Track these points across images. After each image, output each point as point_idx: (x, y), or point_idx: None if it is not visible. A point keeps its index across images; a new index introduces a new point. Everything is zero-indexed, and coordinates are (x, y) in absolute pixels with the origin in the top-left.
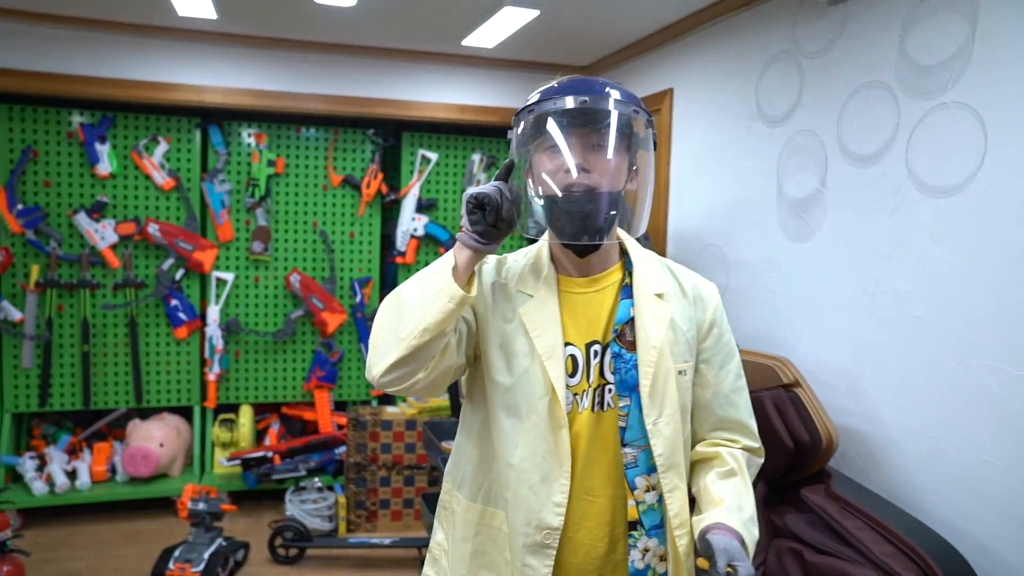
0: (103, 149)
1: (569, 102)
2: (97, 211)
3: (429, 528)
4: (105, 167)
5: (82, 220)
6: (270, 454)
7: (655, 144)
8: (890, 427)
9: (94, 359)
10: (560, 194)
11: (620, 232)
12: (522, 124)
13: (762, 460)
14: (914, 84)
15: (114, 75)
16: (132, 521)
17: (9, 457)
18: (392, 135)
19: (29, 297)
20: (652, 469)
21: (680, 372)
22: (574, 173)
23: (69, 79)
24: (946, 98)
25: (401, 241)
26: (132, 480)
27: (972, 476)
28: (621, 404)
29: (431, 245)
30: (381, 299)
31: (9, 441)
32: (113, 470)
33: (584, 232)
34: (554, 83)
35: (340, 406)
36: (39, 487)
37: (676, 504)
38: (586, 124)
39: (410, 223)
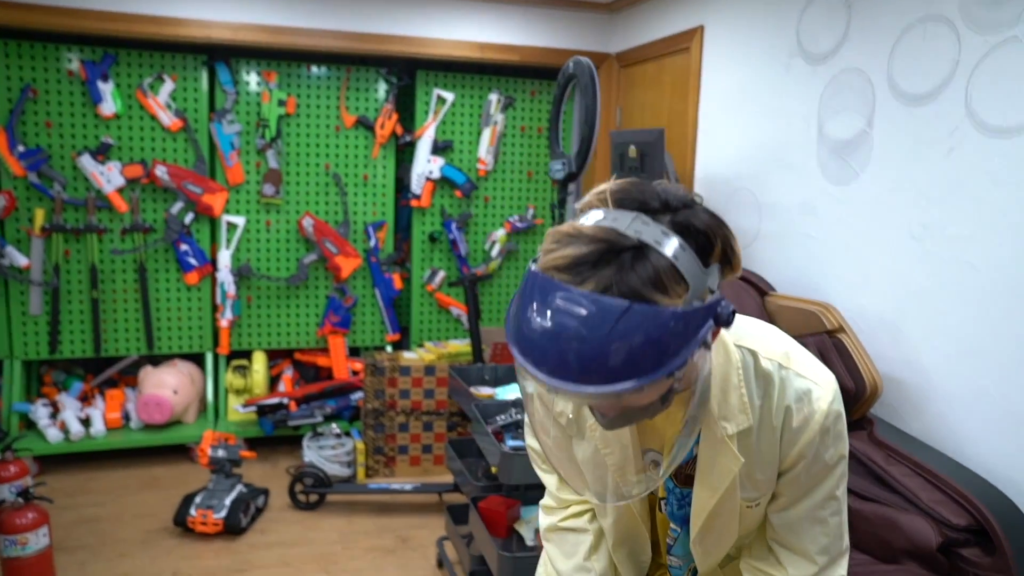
0: (106, 88)
1: (542, 377)
2: (102, 153)
3: (453, 473)
4: (109, 107)
5: (87, 162)
6: (286, 400)
7: (714, 317)
8: (934, 374)
9: (103, 305)
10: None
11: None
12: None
13: None
14: (979, 17)
15: (116, 8)
16: (148, 467)
17: (20, 404)
18: (406, 74)
19: (35, 242)
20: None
21: (750, 506)
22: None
23: (68, 12)
24: (1017, 31)
25: (416, 184)
26: (146, 427)
27: None
28: (671, 527)
29: (446, 188)
30: (395, 244)
31: (20, 388)
32: (127, 417)
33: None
34: (540, 293)
35: (354, 352)
36: (54, 434)
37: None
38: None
39: (425, 165)
